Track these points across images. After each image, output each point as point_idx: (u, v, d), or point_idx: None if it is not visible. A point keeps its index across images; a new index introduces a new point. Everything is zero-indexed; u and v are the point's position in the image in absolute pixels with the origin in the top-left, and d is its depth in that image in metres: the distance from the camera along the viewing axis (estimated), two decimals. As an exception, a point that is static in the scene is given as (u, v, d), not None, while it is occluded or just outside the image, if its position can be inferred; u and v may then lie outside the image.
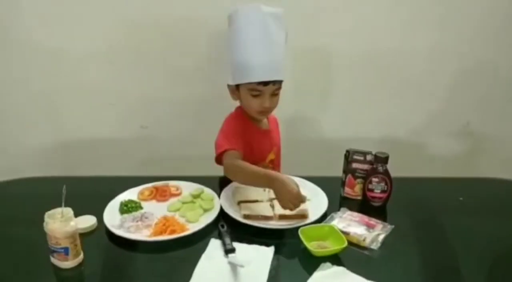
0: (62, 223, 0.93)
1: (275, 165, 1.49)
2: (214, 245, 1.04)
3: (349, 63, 2.02)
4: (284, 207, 1.12)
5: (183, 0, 1.81)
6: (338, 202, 1.28)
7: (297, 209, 1.14)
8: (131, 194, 1.26)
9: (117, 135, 2.14)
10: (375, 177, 1.21)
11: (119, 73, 1.95)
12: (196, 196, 1.27)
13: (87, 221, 1.12)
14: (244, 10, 1.31)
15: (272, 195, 1.23)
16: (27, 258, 1.02)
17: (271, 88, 1.31)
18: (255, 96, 1.33)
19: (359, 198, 1.27)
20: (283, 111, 2.08)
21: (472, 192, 1.37)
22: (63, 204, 0.96)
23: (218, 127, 1.46)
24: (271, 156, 1.48)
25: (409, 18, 1.93)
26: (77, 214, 1.11)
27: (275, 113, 1.51)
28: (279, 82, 1.32)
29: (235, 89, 1.37)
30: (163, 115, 2.07)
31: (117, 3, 1.80)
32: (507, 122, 2.15)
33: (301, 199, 1.11)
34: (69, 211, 0.96)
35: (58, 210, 0.95)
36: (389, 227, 1.11)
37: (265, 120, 1.49)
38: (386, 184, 1.21)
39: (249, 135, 1.41)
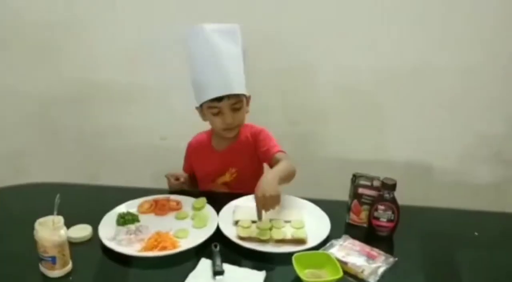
0: (52, 231, 0.93)
1: (232, 188, 1.43)
2: (204, 265, 1.01)
3: (369, 85, 1.98)
4: None
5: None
6: (342, 228, 1.22)
7: (295, 234, 1.10)
8: (131, 206, 1.25)
9: (137, 145, 2.19)
10: (381, 205, 1.14)
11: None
12: (198, 209, 1.25)
13: (82, 230, 1.12)
14: (192, 31, 1.32)
15: (271, 216, 1.20)
16: (17, 263, 1.03)
17: (227, 103, 1.30)
18: (216, 114, 1.33)
19: (365, 225, 1.21)
20: (301, 130, 2.10)
21: (489, 226, 1.27)
22: (55, 212, 0.96)
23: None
24: (225, 178, 1.43)
25: (436, 35, 1.88)
26: (75, 222, 1.12)
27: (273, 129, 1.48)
28: (236, 96, 1.30)
29: (201, 111, 1.38)
30: (182, 127, 2.09)
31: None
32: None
33: None
34: (60, 220, 0.96)
35: (49, 218, 0.96)
36: (391, 260, 1.04)
37: (226, 141, 1.43)
38: (393, 212, 1.14)
39: (201, 155, 1.48)
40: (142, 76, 2.07)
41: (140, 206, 1.26)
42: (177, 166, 2.10)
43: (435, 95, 1.97)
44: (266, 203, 1.11)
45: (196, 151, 1.52)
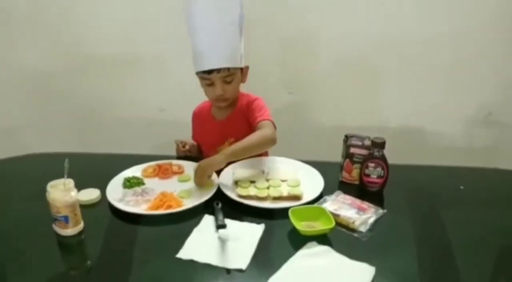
0: (63, 192, 1.00)
1: None
2: (207, 221, 1.08)
3: (366, 51, 2.02)
4: None
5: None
6: (336, 186, 1.29)
7: (291, 192, 1.17)
8: (135, 171, 1.32)
9: (136, 116, 2.24)
10: (371, 162, 1.21)
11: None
12: None
13: (92, 194, 1.18)
14: None
15: (269, 176, 1.27)
16: (32, 224, 1.10)
17: (217, 76, 1.30)
18: (208, 85, 1.34)
19: (357, 182, 1.28)
20: (298, 97, 2.15)
21: (475, 181, 1.34)
22: (65, 175, 1.02)
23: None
24: (225, 148, 1.38)
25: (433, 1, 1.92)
26: (84, 187, 1.19)
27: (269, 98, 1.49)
28: (227, 69, 1.29)
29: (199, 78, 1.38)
30: (181, 98, 2.13)
31: None
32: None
33: None
34: (70, 182, 1.02)
35: (60, 181, 1.02)
36: (380, 212, 1.11)
37: (225, 110, 1.44)
38: (382, 169, 1.21)
39: (203, 125, 1.51)
40: (139, 47, 2.10)
41: (144, 170, 1.32)
42: (176, 137, 2.18)
43: (430, 60, 2.01)
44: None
45: (198, 120, 1.55)
